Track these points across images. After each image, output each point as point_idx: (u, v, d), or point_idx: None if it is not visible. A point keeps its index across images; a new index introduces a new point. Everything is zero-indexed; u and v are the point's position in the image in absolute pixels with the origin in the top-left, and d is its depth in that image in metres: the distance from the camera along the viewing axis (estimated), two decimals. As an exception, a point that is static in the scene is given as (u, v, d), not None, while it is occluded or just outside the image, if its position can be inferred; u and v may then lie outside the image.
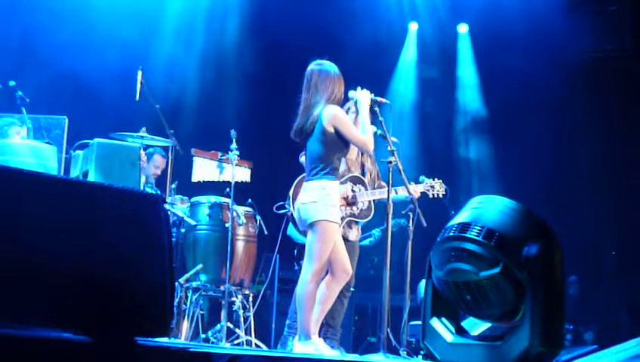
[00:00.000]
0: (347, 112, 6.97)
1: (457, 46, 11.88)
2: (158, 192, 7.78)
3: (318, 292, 6.22)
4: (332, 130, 6.11)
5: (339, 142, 6.15)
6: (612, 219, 10.69)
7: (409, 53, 11.90)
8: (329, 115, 6.10)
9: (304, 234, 6.56)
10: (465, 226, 4.73)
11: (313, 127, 6.15)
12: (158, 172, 8.39)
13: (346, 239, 6.92)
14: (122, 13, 9.98)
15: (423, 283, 6.09)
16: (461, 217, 4.85)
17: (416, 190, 7.32)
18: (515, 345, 4.59)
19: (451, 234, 4.78)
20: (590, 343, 9.66)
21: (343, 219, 7.12)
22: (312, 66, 6.28)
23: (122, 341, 3.63)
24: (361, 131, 6.25)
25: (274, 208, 7.44)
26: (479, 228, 4.67)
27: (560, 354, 4.85)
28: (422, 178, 7.53)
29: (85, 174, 6.46)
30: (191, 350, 4.01)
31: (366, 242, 8.79)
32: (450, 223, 4.86)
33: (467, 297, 4.72)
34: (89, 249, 3.66)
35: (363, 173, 7.45)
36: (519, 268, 4.57)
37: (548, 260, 4.56)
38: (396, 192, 6.99)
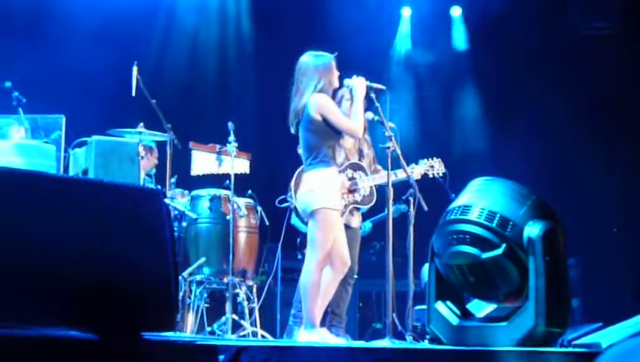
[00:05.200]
0: (341, 100, 6.97)
1: (452, 29, 11.87)
2: (159, 187, 7.76)
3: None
4: (320, 119, 6.11)
5: (328, 130, 6.15)
6: (612, 195, 10.69)
7: (403, 38, 11.89)
8: (315, 103, 6.11)
9: (307, 224, 6.56)
10: (466, 208, 4.75)
11: (301, 118, 6.17)
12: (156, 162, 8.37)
13: (348, 226, 6.93)
14: (115, 7, 9.95)
15: (426, 267, 6.11)
16: (462, 200, 4.87)
17: (416, 172, 7.33)
18: (520, 325, 4.61)
19: (452, 217, 4.80)
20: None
21: (346, 206, 7.13)
22: (302, 57, 6.30)
23: (128, 337, 3.64)
24: (353, 118, 6.25)
25: (276, 202, 7.44)
26: (480, 210, 4.69)
27: (566, 332, 4.87)
28: (421, 161, 7.53)
29: (85, 172, 6.45)
30: (198, 343, 4.02)
31: None
32: (451, 206, 4.88)
33: (471, 279, 4.74)
34: (92, 246, 3.66)
35: (360, 159, 7.46)
36: (522, 249, 4.59)
37: (550, 240, 4.58)
38: (396, 175, 6.99)
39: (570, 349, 4.85)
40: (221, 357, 3.80)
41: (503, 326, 4.71)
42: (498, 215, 4.63)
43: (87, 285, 3.59)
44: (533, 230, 4.56)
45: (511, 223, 4.62)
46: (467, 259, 4.68)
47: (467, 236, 4.68)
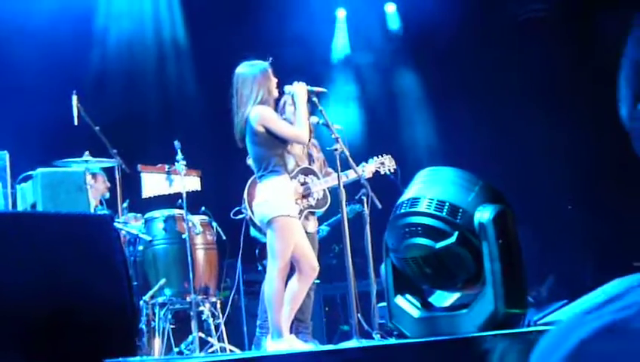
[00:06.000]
0: (284, 106, 6.98)
1: (388, 26, 11.92)
2: (107, 213, 7.69)
3: (286, 291, 6.21)
4: (263, 130, 6.10)
5: (274, 140, 6.15)
6: (562, 173, 10.79)
7: (341, 41, 11.92)
8: (256, 116, 6.10)
9: (265, 234, 6.56)
10: (415, 201, 4.77)
11: (245, 131, 6.17)
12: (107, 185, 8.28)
13: (304, 232, 6.93)
14: (48, 38, 9.86)
15: (385, 264, 6.13)
16: (410, 192, 4.89)
17: (367, 170, 7.35)
18: (481, 310, 4.64)
19: (403, 210, 4.81)
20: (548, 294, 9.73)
21: (301, 211, 7.13)
22: (237, 69, 6.29)
23: (90, 365, 3.62)
24: (297, 124, 6.26)
25: (231, 214, 7.42)
26: (429, 201, 4.71)
27: (526, 313, 4.91)
28: (371, 159, 7.56)
29: (33, 206, 6.38)
30: (162, 364, 4.01)
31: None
32: (400, 200, 4.89)
33: (427, 271, 4.75)
34: (44, 279, 3.64)
35: (310, 164, 7.47)
36: (474, 235, 4.62)
37: (501, 223, 4.62)
38: (347, 176, 7.03)
39: (532, 328, 4.89)
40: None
41: (465, 313, 4.73)
42: (447, 203, 4.66)
43: (43, 318, 3.57)
44: (483, 215, 4.59)
45: (461, 210, 4.65)
46: (421, 251, 4.70)
47: (419, 228, 4.69)
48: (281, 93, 6.44)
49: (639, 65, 0.92)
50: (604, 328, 0.87)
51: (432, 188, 4.79)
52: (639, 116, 0.92)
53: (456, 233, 4.60)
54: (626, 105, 0.95)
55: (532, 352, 0.97)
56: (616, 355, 0.85)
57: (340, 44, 11.95)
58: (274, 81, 6.28)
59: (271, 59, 6.32)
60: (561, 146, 10.69)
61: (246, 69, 6.26)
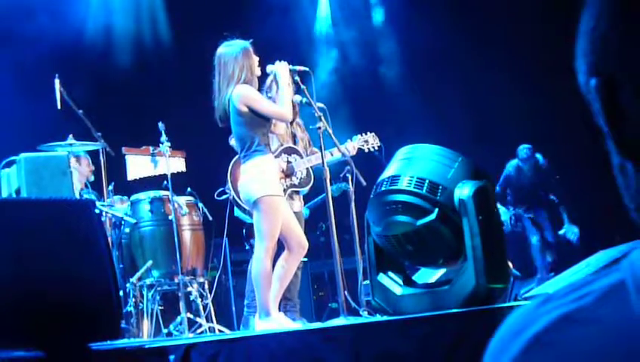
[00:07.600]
0: (271, 85, 6.96)
1: (370, 2, 11.92)
2: (93, 196, 7.69)
3: (275, 269, 6.24)
4: (246, 109, 6.11)
5: (257, 119, 6.15)
6: (548, 150, 10.81)
7: (323, 18, 11.90)
8: (238, 95, 6.10)
9: (250, 214, 6.57)
10: (395, 178, 4.79)
11: (228, 111, 6.17)
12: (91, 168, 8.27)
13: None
14: (27, 22, 9.84)
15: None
16: (390, 170, 4.90)
17: (351, 148, 7.36)
18: (463, 286, 4.66)
19: (383, 188, 4.83)
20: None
21: (285, 191, 7.15)
22: (218, 49, 6.28)
23: (76, 349, 3.64)
24: (279, 103, 6.27)
25: (215, 195, 7.44)
26: (409, 178, 4.73)
27: (509, 287, 4.94)
28: (355, 137, 7.57)
29: (18, 191, 6.38)
30: (147, 347, 4.02)
31: None
32: (381, 178, 4.91)
33: (409, 248, 4.77)
34: (26, 265, 3.65)
35: (295, 144, 7.48)
36: (454, 211, 4.64)
37: (481, 198, 4.64)
38: (331, 154, 7.03)
39: (515, 302, 4.92)
40: (171, 357, 3.80)
41: (447, 289, 4.76)
42: (427, 181, 4.68)
43: (27, 303, 3.59)
44: (463, 191, 4.61)
45: (440, 187, 4.67)
46: (402, 228, 4.72)
47: (399, 205, 4.71)
48: (264, 72, 6.44)
49: (594, 35, 0.92)
50: (560, 318, 0.86)
51: (411, 165, 4.81)
52: (592, 90, 0.93)
53: (436, 210, 4.62)
54: (582, 78, 0.96)
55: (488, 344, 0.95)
56: (573, 344, 0.83)
57: (323, 21, 11.93)
58: (255, 59, 6.26)
59: (252, 39, 6.32)
60: (541, 120, 10.71)
61: (227, 49, 6.24)
